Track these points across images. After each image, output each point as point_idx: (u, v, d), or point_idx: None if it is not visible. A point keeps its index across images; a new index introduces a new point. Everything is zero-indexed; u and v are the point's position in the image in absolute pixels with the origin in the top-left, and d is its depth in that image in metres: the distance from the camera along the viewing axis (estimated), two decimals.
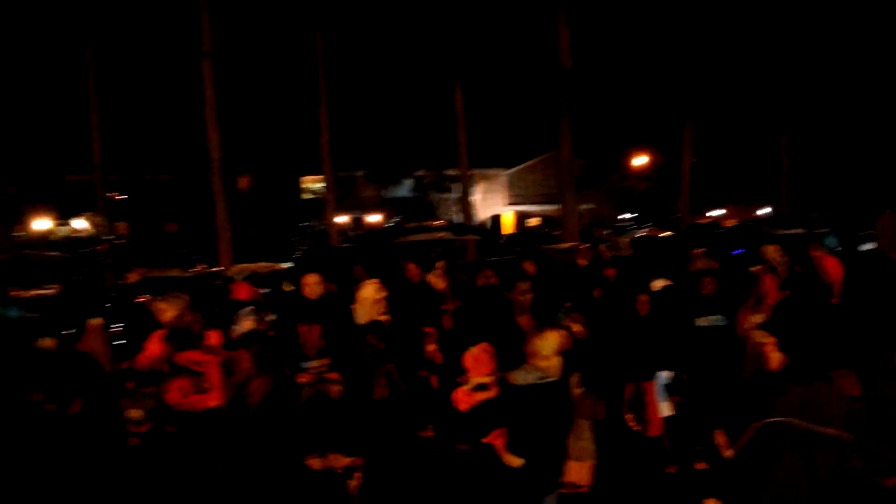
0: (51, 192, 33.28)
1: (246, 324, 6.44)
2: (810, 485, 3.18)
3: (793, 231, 14.29)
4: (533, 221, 39.49)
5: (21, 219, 33.75)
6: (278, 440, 5.54)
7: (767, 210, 32.70)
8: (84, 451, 4.17)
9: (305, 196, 39.28)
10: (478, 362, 4.11)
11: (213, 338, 5.48)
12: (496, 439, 3.82)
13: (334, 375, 5.67)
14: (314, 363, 5.66)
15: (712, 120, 27.46)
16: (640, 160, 30.66)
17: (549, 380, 3.80)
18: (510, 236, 30.59)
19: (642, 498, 5.32)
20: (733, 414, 3.77)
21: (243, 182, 36.75)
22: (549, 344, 3.82)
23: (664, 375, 5.87)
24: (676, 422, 5.78)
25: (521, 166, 40.72)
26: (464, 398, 4.04)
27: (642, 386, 6.01)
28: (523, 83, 24.35)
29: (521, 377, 3.80)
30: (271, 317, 7.20)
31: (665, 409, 5.90)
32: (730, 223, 26.27)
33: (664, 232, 19.98)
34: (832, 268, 7.65)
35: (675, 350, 5.92)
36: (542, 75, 20.55)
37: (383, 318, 7.76)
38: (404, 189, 38.60)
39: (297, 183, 39.22)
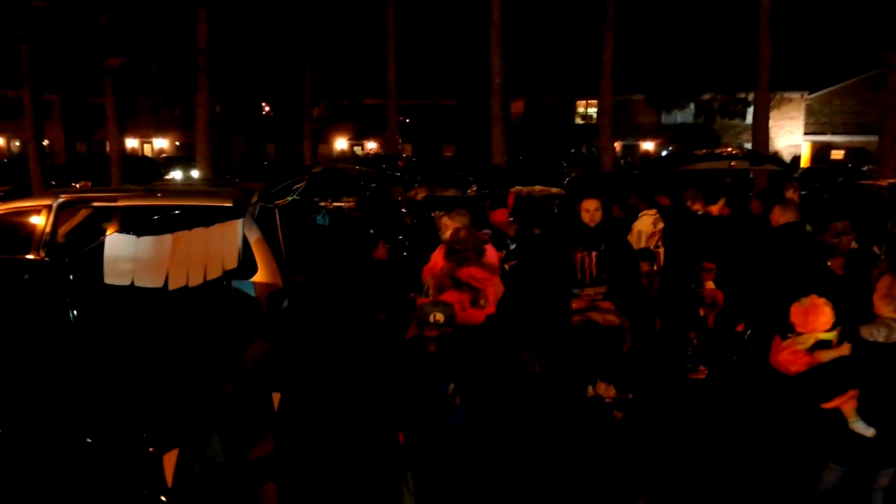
0: (351, 113, 37.13)
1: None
2: None
3: None
4: (837, 154, 34.57)
5: (326, 137, 38.29)
6: (548, 361, 5.58)
7: None
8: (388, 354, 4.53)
9: (577, 121, 38.72)
10: (813, 316, 3.56)
11: (491, 255, 5.59)
12: (845, 404, 3.32)
13: (608, 304, 5.52)
14: (589, 290, 5.51)
15: None
16: None
17: None
18: (807, 169, 27.19)
19: None
20: None
21: (517, 106, 37.32)
22: None
23: None
24: None
25: (828, 90, 35.43)
26: (796, 358, 3.53)
27: None
28: None
29: (880, 333, 3.18)
30: (512, 246, 7.24)
31: None
32: None
33: None
34: None
35: None
36: None
37: (659, 251, 7.41)
38: (686, 114, 36.00)
39: (572, 107, 38.70)
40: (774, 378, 3.63)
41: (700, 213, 7.94)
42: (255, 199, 5.32)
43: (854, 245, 6.29)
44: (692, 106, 35.01)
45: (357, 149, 40.26)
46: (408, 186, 12.10)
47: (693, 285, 6.99)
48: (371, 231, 7.70)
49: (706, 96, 33.38)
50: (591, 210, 5.66)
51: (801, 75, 33.12)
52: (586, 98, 35.92)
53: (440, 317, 4.24)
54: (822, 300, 3.61)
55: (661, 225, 7.65)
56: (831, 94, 35.53)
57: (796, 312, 3.64)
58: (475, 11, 21.14)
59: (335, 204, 12.10)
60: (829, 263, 5.24)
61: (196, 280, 3.34)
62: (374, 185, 13.54)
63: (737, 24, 23.24)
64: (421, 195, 11.25)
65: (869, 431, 3.25)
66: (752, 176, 11.28)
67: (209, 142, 21.63)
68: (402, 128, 28.63)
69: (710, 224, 7.95)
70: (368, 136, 38.88)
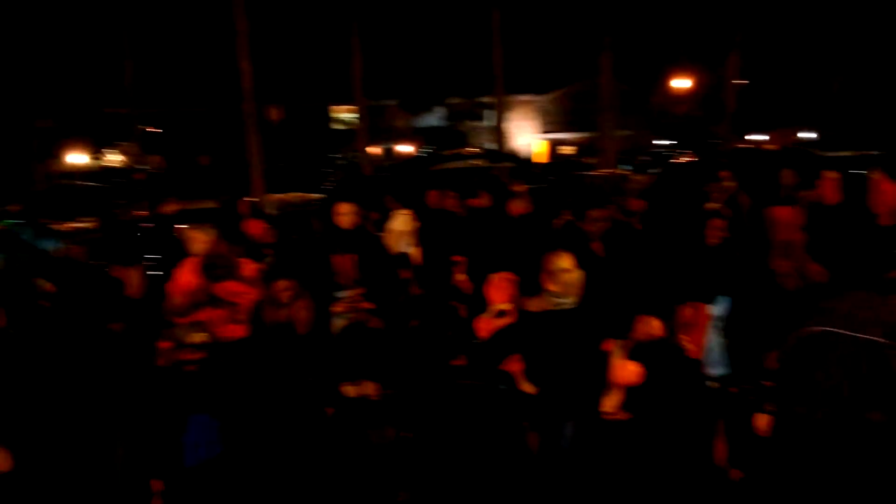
0: (88, 124, 33.56)
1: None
2: (852, 388, 3.14)
3: (843, 154, 13.69)
4: (567, 149, 38.73)
5: (58, 152, 34.22)
6: (316, 367, 5.58)
7: (812, 134, 31.43)
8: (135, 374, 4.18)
9: (336, 126, 38.99)
10: (498, 289, 4.07)
11: (248, 268, 5.45)
12: (512, 366, 3.78)
13: (368, 305, 5.66)
14: (348, 293, 5.61)
15: (761, 41, 26.02)
16: (680, 83, 29.41)
17: (565, 306, 3.68)
18: (544, 165, 30.11)
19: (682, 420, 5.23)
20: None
21: (274, 113, 36.54)
22: (563, 263, 3.70)
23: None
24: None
25: (556, 92, 39.62)
26: (483, 325, 4.02)
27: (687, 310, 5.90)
28: (559, 4, 23.42)
29: (536, 304, 3.71)
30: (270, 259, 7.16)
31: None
32: (770, 146, 25.42)
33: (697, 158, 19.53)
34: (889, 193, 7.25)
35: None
36: None
37: (413, 249, 7.72)
38: (436, 118, 38.01)
39: (327, 113, 38.86)
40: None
41: (465, 210, 8.38)
42: None
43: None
44: (442, 110, 37.16)
45: (98, 161, 36.62)
46: (157, 201, 11.32)
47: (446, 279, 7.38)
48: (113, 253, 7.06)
49: (453, 101, 35.64)
50: (345, 214, 5.78)
51: (534, 79, 36.64)
52: (342, 104, 36.32)
53: (200, 336, 4.06)
54: (505, 276, 4.12)
55: (415, 224, 7.98)
56: (561, 95, 39.74)
57: (488, 285, 4.15)
58: (221, 17, 20.31)
59: (73, 225, 10.93)
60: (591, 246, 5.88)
61: None
62: (122, 202, 12.51)
63: (475, 33, 25.03)
64: (171, 209, 10.56)
65: (532, 389, 3.74)
66: (493, 173, 12.33)
67: None
68: (152, 137, 26.63)
69: (461, 220, 8.44)
70: (112, 148, 35.52)
